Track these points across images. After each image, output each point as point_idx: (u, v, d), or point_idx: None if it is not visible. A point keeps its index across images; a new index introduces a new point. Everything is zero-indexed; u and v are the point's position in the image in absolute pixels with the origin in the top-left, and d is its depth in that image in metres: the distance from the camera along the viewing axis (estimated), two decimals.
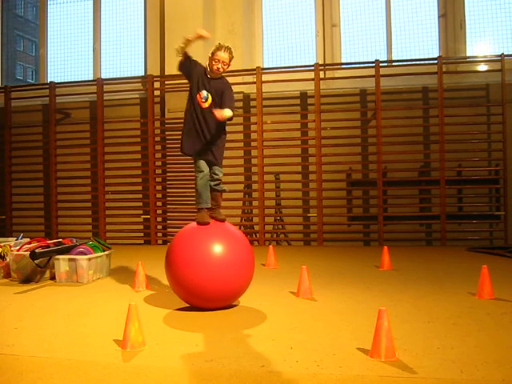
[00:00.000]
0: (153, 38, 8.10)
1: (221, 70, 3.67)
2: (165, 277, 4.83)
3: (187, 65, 3.74)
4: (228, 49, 3.67)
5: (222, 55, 3.64)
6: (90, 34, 8.64)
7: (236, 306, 3.64)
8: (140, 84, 8.15)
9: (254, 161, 7.56)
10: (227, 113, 3.59)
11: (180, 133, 3.88)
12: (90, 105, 8.21)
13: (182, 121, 8.25)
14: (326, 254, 6.42)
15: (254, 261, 3.60)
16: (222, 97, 3.73)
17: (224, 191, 3.92)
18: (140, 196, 7.94)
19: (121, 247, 6.69)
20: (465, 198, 7.19)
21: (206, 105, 3.70)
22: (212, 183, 3.80)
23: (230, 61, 3.70)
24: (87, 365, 2.43)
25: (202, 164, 3.76)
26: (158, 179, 7.88)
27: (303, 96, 7.66)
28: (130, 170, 7.95)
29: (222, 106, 3.68)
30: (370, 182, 7.41)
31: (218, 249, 3.38)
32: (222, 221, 3.67)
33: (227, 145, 3.95)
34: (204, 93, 3.70)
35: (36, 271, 4.62)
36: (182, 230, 3.65)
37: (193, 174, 7.82)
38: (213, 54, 3.67)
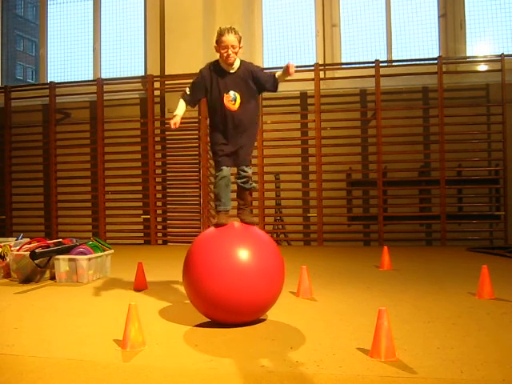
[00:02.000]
0: (153, 38, 8.10)
1: (232, 56, 3.22)
2: (165, 277, 4.85)
3: (196, 98, 3.42)
4: (232, 29, 3.23)
5: (228, 38, 3.19)
6: (90, 34, 8.64)
7: (264, 320, 3.22)
8: (140, 84, 8.15)
9: (254, 161, 7.56)
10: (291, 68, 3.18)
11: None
12: (90, 105, 8.21)
13: (183, 121, 8.25)
14: (326, 254, 6.42)
15: (284, 268, 3.22)
16: (253, 83, 3.30)
17: (253, 189, 3.58)
18: (140, 196, 7.94)
19: (121, 247, 6.69)
20: (465, 197, 7.19)
21: (236, 105, 3.28)
22: (239, 181, 3.42)
23: (239, 41, 3.24)
24: (87, 365, 2.42)
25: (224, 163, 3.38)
26: (158, 179, 7.88)
27: (303, 96, 7.66)
28: (130, 170, 7.95)
29: (268, 86, 3.32)
30: (370, 182, 7.41)
31: (244, 254, 2.97)
32: (252, 224, 3.28)
33: None
34: (231, 94, 3.27)
35: (36, 271, 4.62)
36: (203, 233, 3.29)
37: (193, 173, 7.90)
38: (217, 41, 3.25)
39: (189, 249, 3.18)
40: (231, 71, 3.30)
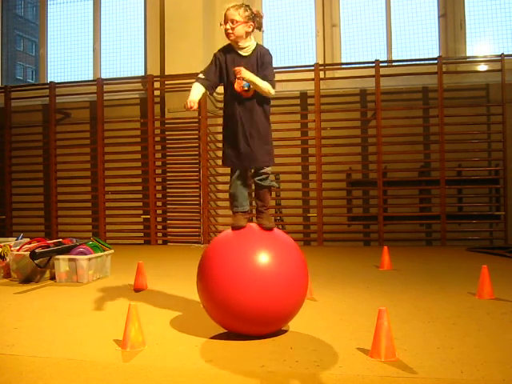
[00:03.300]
0: (153, 38, 8.10)
1: (230, 32, 2.92)
2: (165, 277, 4.85)
3: (213, 82, 3.04)
4: (236, 5, 2.94)
5: (228, 13, 2.92)
6: (90, 34, 8.63)
7: (286, 331, 2.95)
8: (140, 84, 8.15)
9: None
10: (251, 75, 2.85)
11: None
12: (90, 105, 8.21)
13: (183, 121, 8.26)
14: (326, 254, 6.42)
15: (307, 272, 2.93)
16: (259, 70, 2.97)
17: (273, 187, 3.16)
18: (140, 196, 7.94)
19: (121, 247, 6.69)
20: (465, 197, 7.19)
21: (251, 92, 2.96)
22: (256, 178, 3.07)
23: (245, 17, 2.92)
24: (87, 365, 2.43)
25: None
26: (158, 179, 7.88)
27: (303, 96, 7.66)
28: (130, 170, 7.95)
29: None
30: (369, 182, 7.41)
31: (265, 258, 2.71)
32: (269, 229, 2.94)
33: None
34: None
35: (36, 271, 4.62)
36: (221, 235, 3.01)
37: (193, 173, 7.89)
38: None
39: (204, 252, 2.93)
40: (244, 54, 3.01)
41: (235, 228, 2.93)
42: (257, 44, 3.04)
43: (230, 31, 2.92)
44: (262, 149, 3.01)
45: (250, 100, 2.97)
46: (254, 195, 3.17)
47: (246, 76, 2.87)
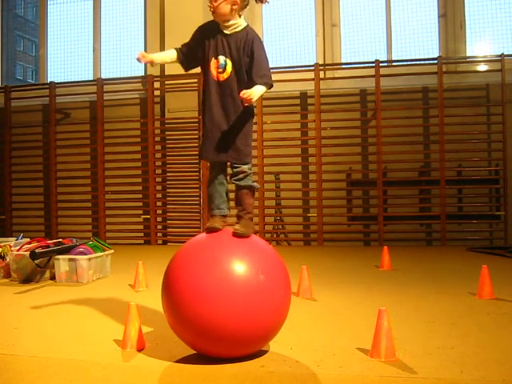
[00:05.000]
0: (153, 38, 8.10)
1: (212, 9, 2.57)
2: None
3: (188, 54, 2.72)
4: None
5: None
6: (90, 34, 8.63)
7: (266, 352, 2.57)
8: (140, 84, 8.15)
9: (253, 161, 7.55)
10: (258, 92, 2.46)
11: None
12: (90, 105, 8.21)
13: (183, 121, 8.25)
14: (326, 254, 6.42)
15: (290, 285, 2.55)
16: (247, 59, 2.58)
17: (252, 188, 2.75)
18: (140, 196, 7.94)
19: (121, 247, 6.69)
20: (465, 198, 7.19)
21: (225, 75, 2.60)
22: (233, 178, 2.71)
23: None
24: (87, 365, 2.42)
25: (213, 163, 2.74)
26: (158, 179, 7.89)
27: (303, 96, 7.66)
28: (129, 169, 7.95)
29: (249, 77, 2.57)
30: (369, 181, 7.42)
31: (241, 268, 2.33)
32: (240, 236, 2.51)
33: None
34: (221, 59, 2.60)
35: (36, 271, 4.62)
36: (189, 242, 2.61)
37: (193, 173, 7.88)
38: None
39: (170, 261, 2.59)
40: (227, 32, 2.63)
41: (209, 230, 2.58)
42: (247, 25, 2.66)
43: (212, 9, 2.57)
44: (237, 142, 2.64)
45: (231, 87, 2.61)
46: (235, 200, 2.77)
47: (256, 97, 2.48)
